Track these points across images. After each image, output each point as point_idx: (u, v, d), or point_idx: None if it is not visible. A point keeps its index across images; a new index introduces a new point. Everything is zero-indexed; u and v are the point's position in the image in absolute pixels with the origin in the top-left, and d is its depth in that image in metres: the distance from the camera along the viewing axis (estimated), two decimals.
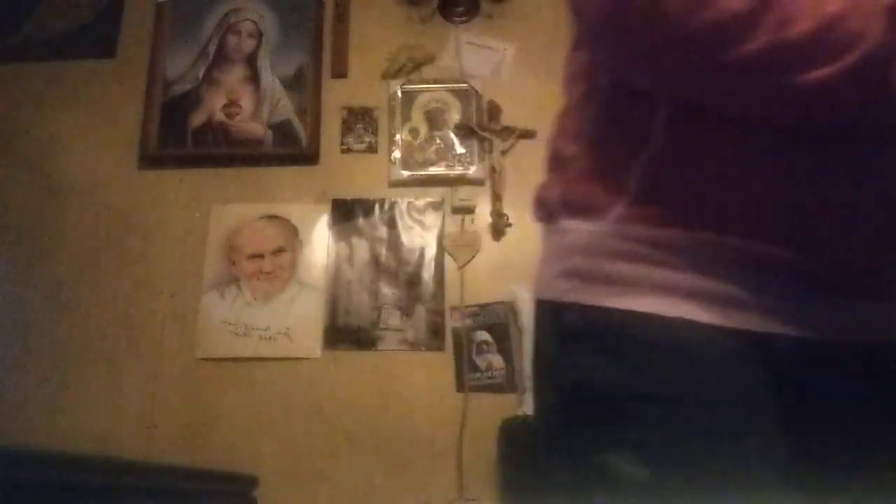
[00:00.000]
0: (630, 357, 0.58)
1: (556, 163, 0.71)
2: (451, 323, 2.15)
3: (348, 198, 2.29)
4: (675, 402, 0.55)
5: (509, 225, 2.22)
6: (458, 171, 2.30)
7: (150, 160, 2.34)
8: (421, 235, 2.25)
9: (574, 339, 0.62)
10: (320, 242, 2.24)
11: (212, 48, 2.46)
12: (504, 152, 2.29)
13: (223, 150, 2.34)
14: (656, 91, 0.60)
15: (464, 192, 2.27)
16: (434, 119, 2.36)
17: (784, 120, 0.55)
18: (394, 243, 2.24)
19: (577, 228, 0.64)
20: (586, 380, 0.59)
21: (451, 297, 2.17)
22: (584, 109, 0.68)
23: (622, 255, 0.60)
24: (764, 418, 0.55)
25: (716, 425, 0.54)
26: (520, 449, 1.85)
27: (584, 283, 0.62)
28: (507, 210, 2.23)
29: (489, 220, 2.24)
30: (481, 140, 2.32)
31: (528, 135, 2.31)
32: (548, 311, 0.66)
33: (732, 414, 0.55)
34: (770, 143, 0.56)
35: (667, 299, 0.57)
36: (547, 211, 0.71)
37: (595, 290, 0.61)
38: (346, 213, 2.27)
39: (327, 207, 2.27)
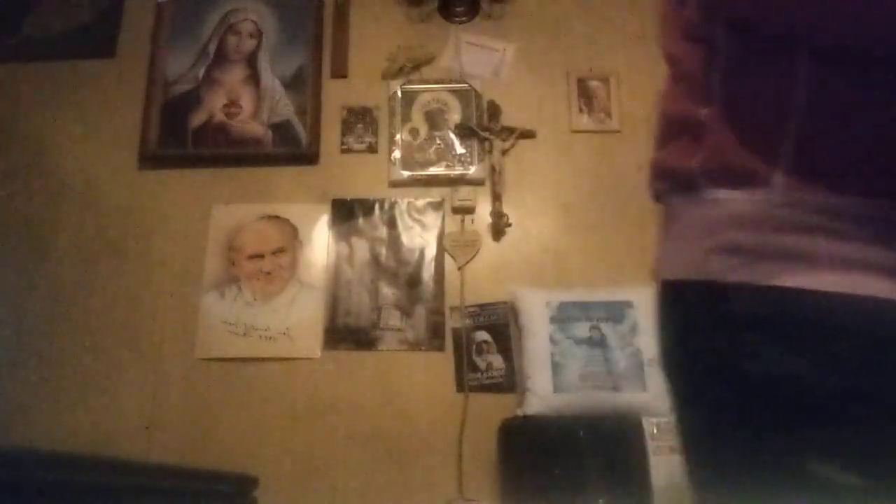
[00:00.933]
0: (824, 346, 0.50)
1: (684, 129, 0.63)
2: (451, 323, 2.15)
3: (348, 198, 2.29)
4: (885, 398, 0.48)
5: (509, 225, 2.22)
6: (458, 171, 2.30)
7: (150, 160, 2.34)
8: (421, 235, 2.25)
9: (750, 327, 0.53)
10: (320, 242, 2.24)
11: (212, 48, 2.46)
12: (504, 152, 2.29)
13: (223, 150, 2.34)
14: (790, 31, 0.53)
15: (464, 192, 2.27)
16: (434, 119, 2.36)
17: None
18: (394, 243, 2.24)
19: (733, 198, 0.56)
20: (772, 375, 0.51)
21: (451, 297, 2.17)
22: (707, 69, 0.60)
23: (795, 227, 0.53)
24: None
25: None
26: (520, 449, 1.85)
27: (751, 260, 0.54)
28: (507, 210, 2.23)
29: (489, 220, 2.24)
30: (481, 140, 2.32)
31: (528, 135, 2.31)
32: (700, 294, 0.57)
33: None
34: None
35: (856, 275, 0.50)
36: (677, 182, 0.63)
37: (766, 268, 0.53)
38: (346, 213, 2.27)
39: (327, 207, 2.27)
